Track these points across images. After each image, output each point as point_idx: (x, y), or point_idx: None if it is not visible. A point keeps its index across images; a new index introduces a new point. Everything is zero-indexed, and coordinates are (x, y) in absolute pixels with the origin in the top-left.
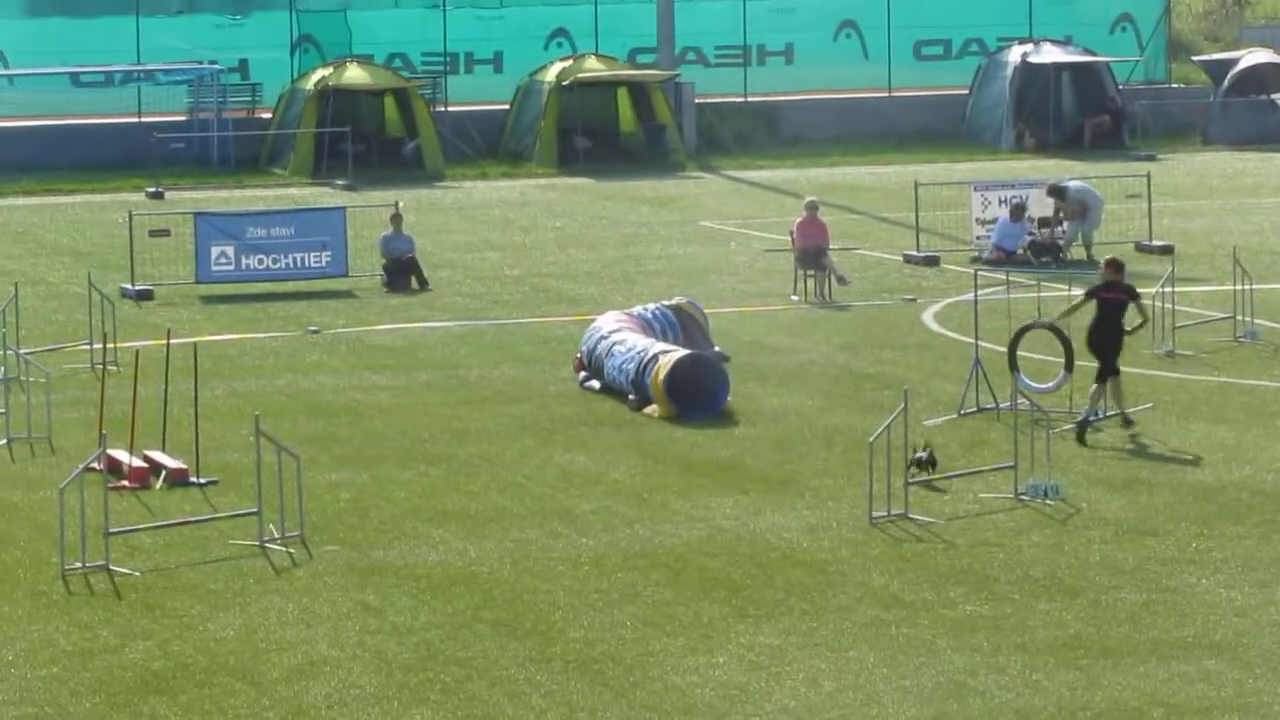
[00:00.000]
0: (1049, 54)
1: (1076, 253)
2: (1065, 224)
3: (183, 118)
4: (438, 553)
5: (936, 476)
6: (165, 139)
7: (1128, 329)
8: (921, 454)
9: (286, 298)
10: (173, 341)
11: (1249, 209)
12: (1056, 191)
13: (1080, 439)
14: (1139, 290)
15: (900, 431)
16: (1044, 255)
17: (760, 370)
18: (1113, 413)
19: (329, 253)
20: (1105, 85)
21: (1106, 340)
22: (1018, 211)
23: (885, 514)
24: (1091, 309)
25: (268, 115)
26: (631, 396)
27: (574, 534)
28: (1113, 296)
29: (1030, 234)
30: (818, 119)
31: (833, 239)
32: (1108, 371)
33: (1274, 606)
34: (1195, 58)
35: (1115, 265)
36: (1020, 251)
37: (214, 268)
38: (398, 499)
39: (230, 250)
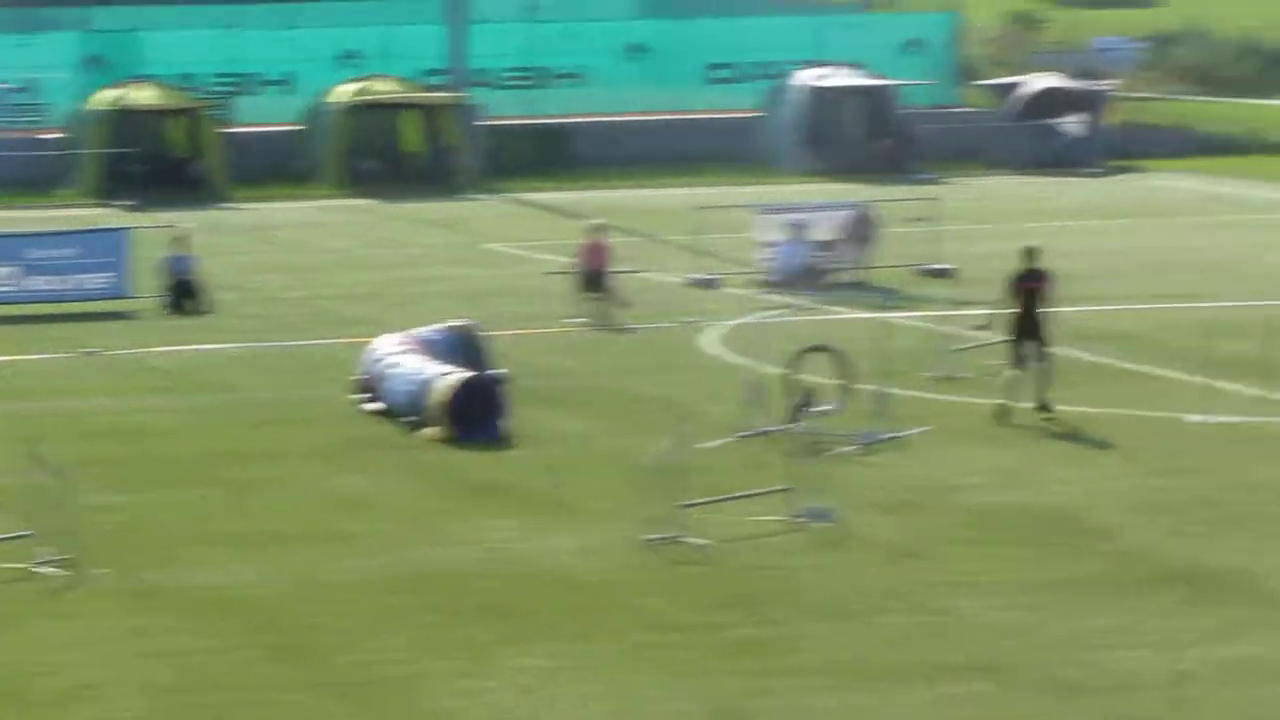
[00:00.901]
0: (838, 78)
1: (852, 275)
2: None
3: None
4: (212, 576)
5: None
6: None
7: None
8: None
9: (67, 319)
10: None
11: (1031, 233)
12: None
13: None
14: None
15: (677, 455)
16: (821, 278)
17: (540, 393)
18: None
19: (111, 274)
20: (893, 109)
21: (1032, 326)
22: (794, 233)
23: (659, 537)
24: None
25: (55, 135)
26: (410, 419)
27: (349, 557)
28: (1032, 285)
29: (812, 257)
30: (606, 142)
31: (617, 262)
32: (1035, 358)
33: (1043, 629)
34: (983, 82)
35: (1031, 252)
36: (803, 274)
37: None
38: (173, 522)
39: (10, 271)
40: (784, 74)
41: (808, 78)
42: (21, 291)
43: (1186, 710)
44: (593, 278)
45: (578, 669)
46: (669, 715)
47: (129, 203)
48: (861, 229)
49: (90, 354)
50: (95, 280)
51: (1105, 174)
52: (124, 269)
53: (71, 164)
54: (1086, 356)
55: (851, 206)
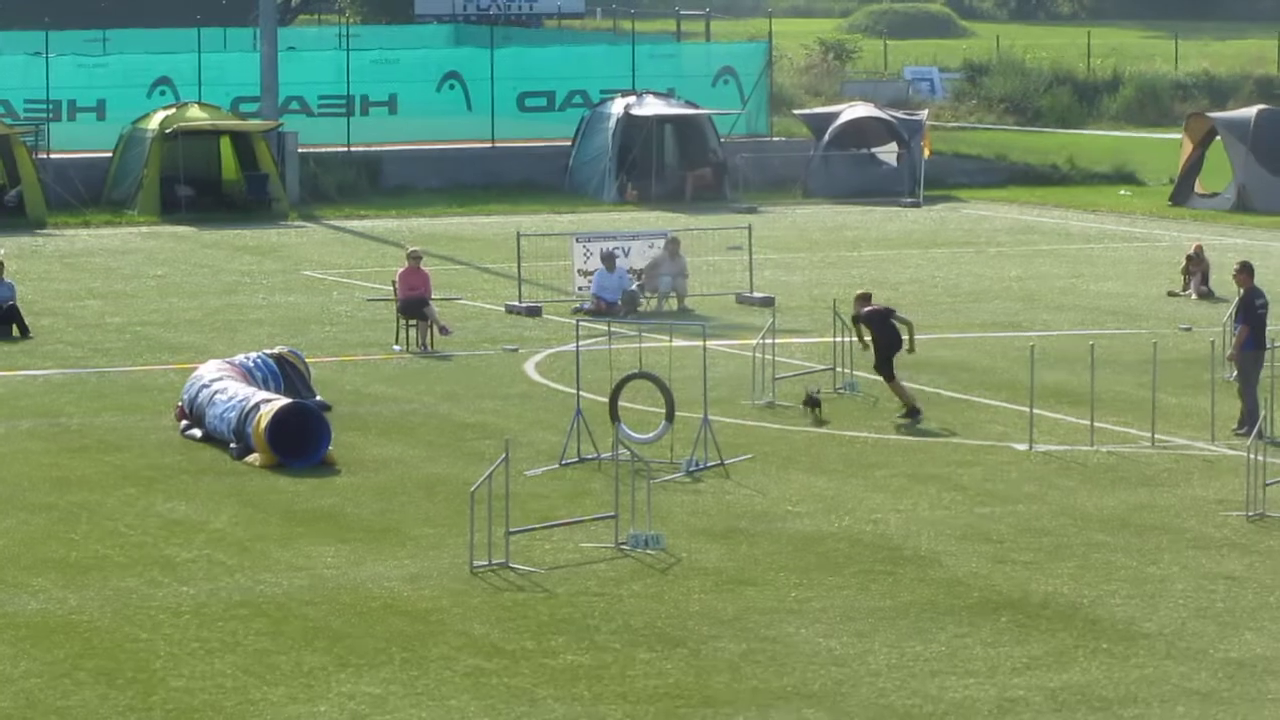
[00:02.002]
0: (651, 106)
1: (669, 303)
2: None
3: None
4: (37, 601)
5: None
6: None
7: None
8: (814, 390)
9: None
10: None
11: (849, 261)
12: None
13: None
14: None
15: (501, 481)
16: (638, 306)
17: (362, 419)
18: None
19: None
20: (707, 138)
21: (890, 350)
22: (609, 261)
23: (487, 563)
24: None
25: None
26: (233, 445)
27: (175, 582)
28: (877, 310)
29: (630, 285)
30: (421, 169)
31: (435, 289)
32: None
33: (872, 656)
34: (797, 111)
35: (864, 297)
36: (621, 301)
37: None
38: None
39: None
40: (597, 102)
41: (621, 106)
42: None
43: None
44: (412, 305)
45: (408, 695)
46: None
47: None
48: (679, 261)
49: None
50: None
51: (921, 204)
52: None
53: None
54: (909, 385)
55: (665, 235)
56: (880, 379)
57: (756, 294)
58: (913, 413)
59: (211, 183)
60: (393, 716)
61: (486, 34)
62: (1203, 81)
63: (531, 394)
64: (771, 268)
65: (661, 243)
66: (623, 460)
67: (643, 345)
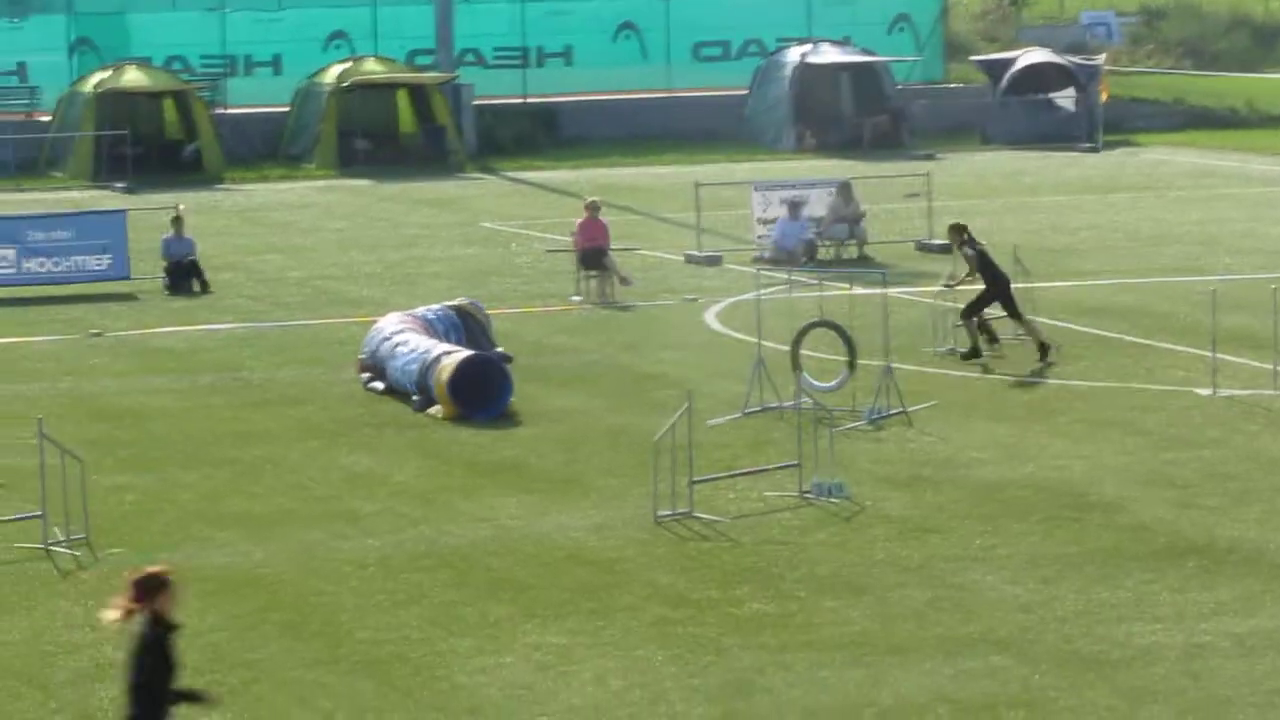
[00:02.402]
0: (828, 54)
1: (848, 251)
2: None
3: None
4: (223, 555)
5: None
6: None
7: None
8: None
9: (67, 301)
10: None
11: (1028, 207)
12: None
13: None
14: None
15: (683, 430)
16: (817, 254)
17: (543, 371)
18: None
19: (109, 256)
20: (884, 85)
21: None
22: (794, 209)
23: (671, 513)
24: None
25: (46, 118)
26: (416, 397)
27: (360, 535)
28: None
29: (812, 233)
30: (597, 120)
31: (614, 239)
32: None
33: (1057, 602)
34: (973, 57)
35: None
36: (800, 250)
37: None
38: (182, 501)
39: (10, 253)
40: (773, 51)
41: (798, 54)
42: (21, 274)
43: (1201, 683)
44: (592, 255)
45: (594, 645)
46: (685, 690)
47: (122, 185)
48: (852, 205)
49: (94, 335)
50: (94, 262)
51: (1099, 148)
52: (123, 250)
53: (63, 147)
54: (1090, 330)
55: (842, 183)
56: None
57: (936, 241)
58: (974, 353)
59: (388, 136)
60: (579, 667)
61: None
62: None
63: (712, 343)
64: (950, 214)
65: (838, 189)
66: (805, 409)
67: (823, 294)
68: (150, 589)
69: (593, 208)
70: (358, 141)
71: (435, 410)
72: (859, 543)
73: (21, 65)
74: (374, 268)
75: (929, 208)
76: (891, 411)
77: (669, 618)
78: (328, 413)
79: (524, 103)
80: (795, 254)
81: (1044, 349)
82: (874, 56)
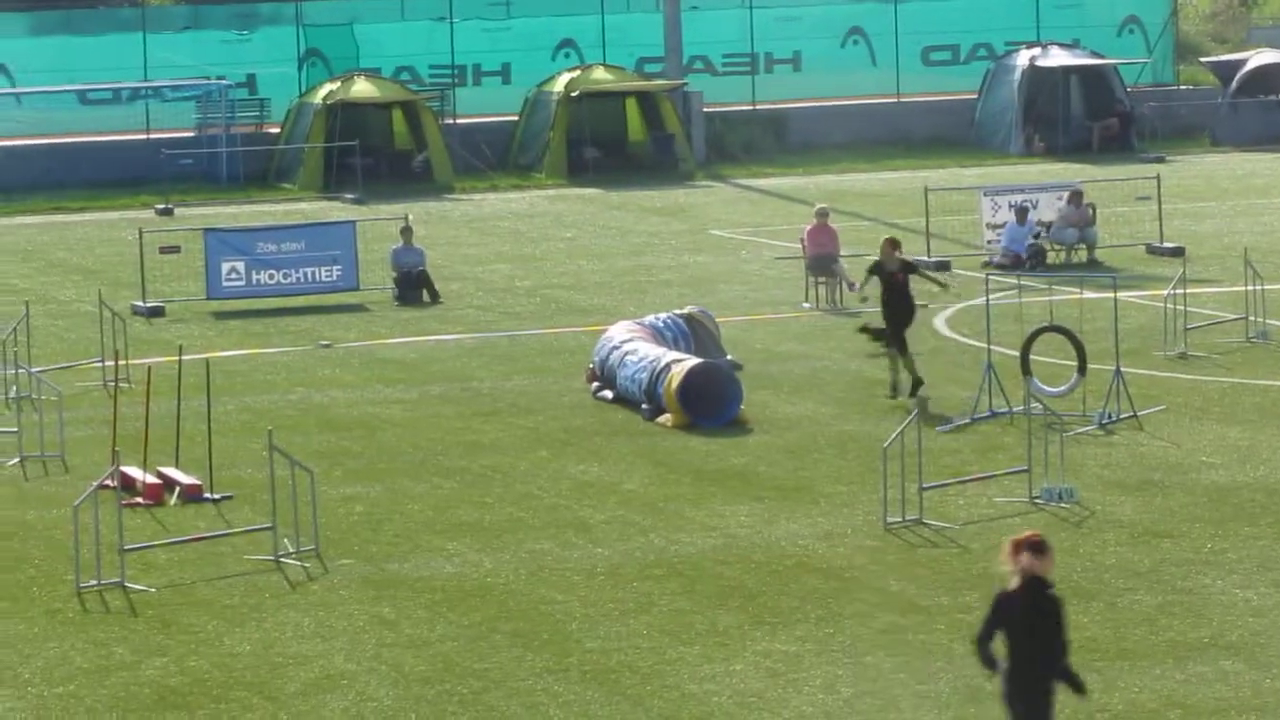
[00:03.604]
0: (1056, 57)
1: (1077, 255)
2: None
3: (191, 133)
4: (453, 565)
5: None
6: (174, 155)
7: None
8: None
9: (297, 312)
10: (184, 358)
11: (1259, 210)
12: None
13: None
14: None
15: (913, 437)
16: (1036, 259)
17: (773, 378)
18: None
19: (339, 267)
20: (1113, 88)
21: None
22: (1021, 214)
23: (900, 519)
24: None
25: (276, 130)
26: (645, 406)
27: (588, 544)
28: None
29: (1035, 237)
30: (826, 126)
31: (843, 245)
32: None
33: None
34: (1203, 59)
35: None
36: (1030, 254)
37: (225, 283)
38: (411, 512)
39: (241, 266)
40: (1002, 54)
41: (1026, 58)
42: (252, 286)
43: None
44: (821, 262)
45: (824, 652)
46: (917, 697)
47: (351, 196)
48: (1082, 209)
49: (324, 346)
50: (324, 273)
51: None
52: (352, 261)
53: (293, 158)
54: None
55: (1072, 186)
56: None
57: (1166, 244)
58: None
59: (617, 144)
60: (808, 674)
61: None
62: None
63: (942, 349)
64: (1181, 217)
65: (1068, 194)
66: (1035, 414)
67: (1053, 298)
68: (1030, 550)
69: (822, 214)
70: (586, 150)
71: (665, 419)
72: (1089, 548)
73: (251, 77)
74: (603, 276)
75: (1159, 211)
76: (1122, 416)
77: (898, 624)
78: (557, 422)
79: (753, 109)
80: (1027, 258)
81: (919, 384)
82: (1103, 59)
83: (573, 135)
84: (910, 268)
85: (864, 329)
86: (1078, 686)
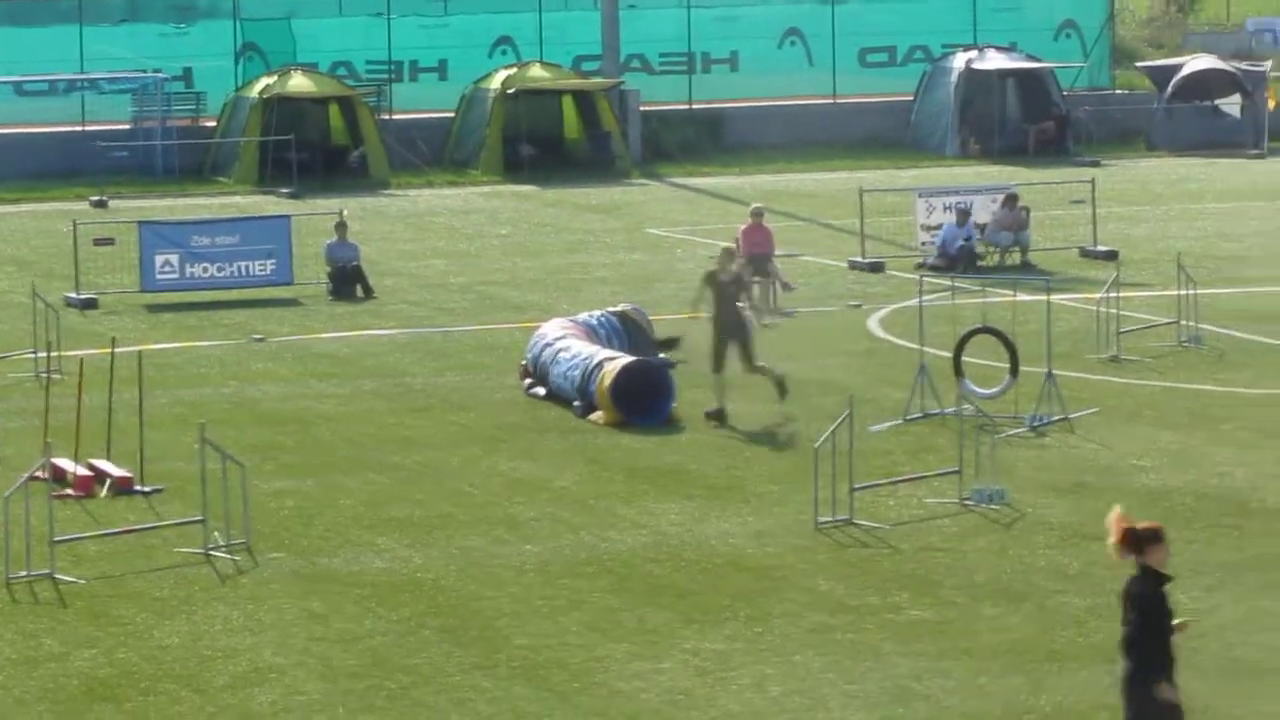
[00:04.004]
0: (993, 60)
1: (1011, 258)
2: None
3: (126, 126)
4: (383, 560)
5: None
6: (109, 147)
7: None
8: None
9: (232, 306)
10: (117, 350)
11: (1193, 214)
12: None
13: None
14: None
15: (845, 437)
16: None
17: (705, 377)
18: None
19: (274, 261)
20: (1050, 92)
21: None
22: (963, 216)
23: (831, 519)
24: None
25: (212, 124)
26: (577, 403)
27: (519, 541)
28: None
29: (973, 239)
30: (763, 126)
31: (778, 245)
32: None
33: (1220, 611)
34: (1139, 64)
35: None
36: (964, 257)
37: (158, 276)
38: (343, 506)
39: (175, 259)
40: (939, 57)
41: (963, 60)
42: (185, 279)
43: None
44: (755, 261)
45: (753, 651)
46: (845, 696)
47: (286, 190)
48: (1016, 212)
49: (257, 340)
50: (258, 267)
51: (1266, 155)
52: (287, 256)
53: (228, 152)
54: (1256, 338)
55: (1007, 189)
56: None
57: (1100, 247)
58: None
59: (554, 141)
60: (737, 673)
61: None
62: None
63: (875, 350)
64: (1115, 221)
65: (1003, 197)
66: (966, 415)
67: (986, 300)
68: (1142, 541)
69: (757, 214)
70: (523, 147)
71: (597, 416)
72: (1019, 550)
73: (187, 70)
74: (537, 273)
75: (1093, 214)
76: (1054, 418)
77: (828, 624)
78: (489, 418)
79: (690, 109)
80: (961, 260)
81: (718, 415)
82: (1040, 63)
83: (509, 132)
84: (741, 282)
85: (658, 341)
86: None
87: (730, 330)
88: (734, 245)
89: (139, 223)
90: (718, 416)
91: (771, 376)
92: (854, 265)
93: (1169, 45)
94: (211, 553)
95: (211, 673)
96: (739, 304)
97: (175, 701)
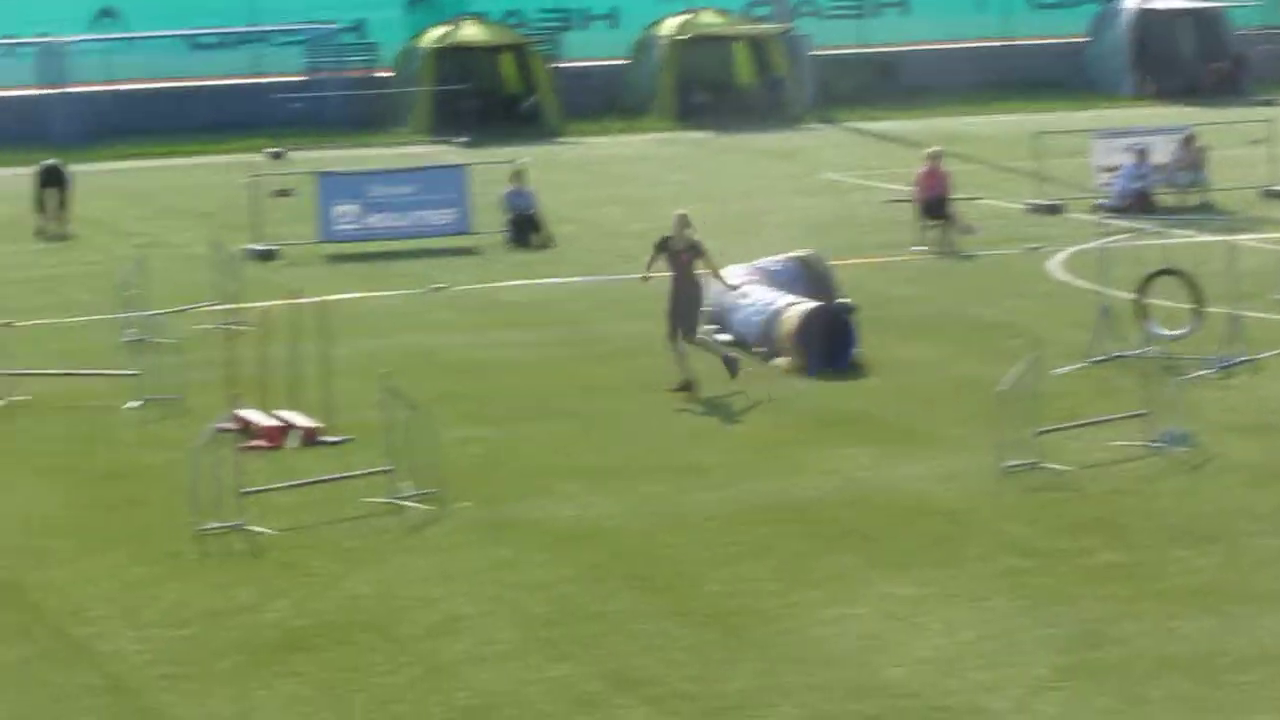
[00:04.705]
0: (1168, 0)
1: (1190, 199)
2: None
3: (301, 78)
4: (570, 507)
5: None
6: (284, 99)
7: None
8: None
9: (410, 255)
10: (299, 301)
11: None
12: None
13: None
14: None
15: (1030, 380)
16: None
17: (887, 321)
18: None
19: (452, 210)
20: (1224, 31)
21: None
22: (1137, 158)
23: (1017, 463)
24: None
25: (385, 74)
26: (760, 349)
27: (704, 488)
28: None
29: (1151, 180)
30: (936, 69)
31: (955, 189)
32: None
33: None
34: None
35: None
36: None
37: (337, 227)
38: (528, 454)
39: (353, 209)
40: None
41: (1136, 1)
42: (364, 229)
43: None
44: (933, 205)
45: (944, 595)
46: (1035, 640)
47: (461, 139)
48: (1194, 152)
49: (437, 290)
50: (436, 217)
51: None
52: (465, 205)
53: (403, 102)
54: None
55: (1185, 130)
56: None
57: (1278, 187)
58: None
59: (726, 87)
60: (930, 617)
61: None
62: None
63: (1056, 292)
64: None
65: (1181, 137)
66: (1152, 357)
67: (1167, 241)
68: None
69: (933, 157)
70: (696, 94)
71: (780, 362)
72: (1209, 491)
73: (360, 22)
74: (714, 219)
75: (1273, 154)
76: (1239, 359)
77: (1018, 568)
78: (672, 366)
79: (862, 53)
80: (1139, 201)
81: (687, 386)
82: (1214, 2)
83: (682, 79)
84: (697, 250)
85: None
86: None
87: (683, 300)
88: (685, 213)
89: (317, 173)
90: (686, 388)
91: (718, 353)
92: (1032, 208)
93: None
94: (400, 502)
95: (404, 622)
96: (696, 272)
97: (370, 651)
